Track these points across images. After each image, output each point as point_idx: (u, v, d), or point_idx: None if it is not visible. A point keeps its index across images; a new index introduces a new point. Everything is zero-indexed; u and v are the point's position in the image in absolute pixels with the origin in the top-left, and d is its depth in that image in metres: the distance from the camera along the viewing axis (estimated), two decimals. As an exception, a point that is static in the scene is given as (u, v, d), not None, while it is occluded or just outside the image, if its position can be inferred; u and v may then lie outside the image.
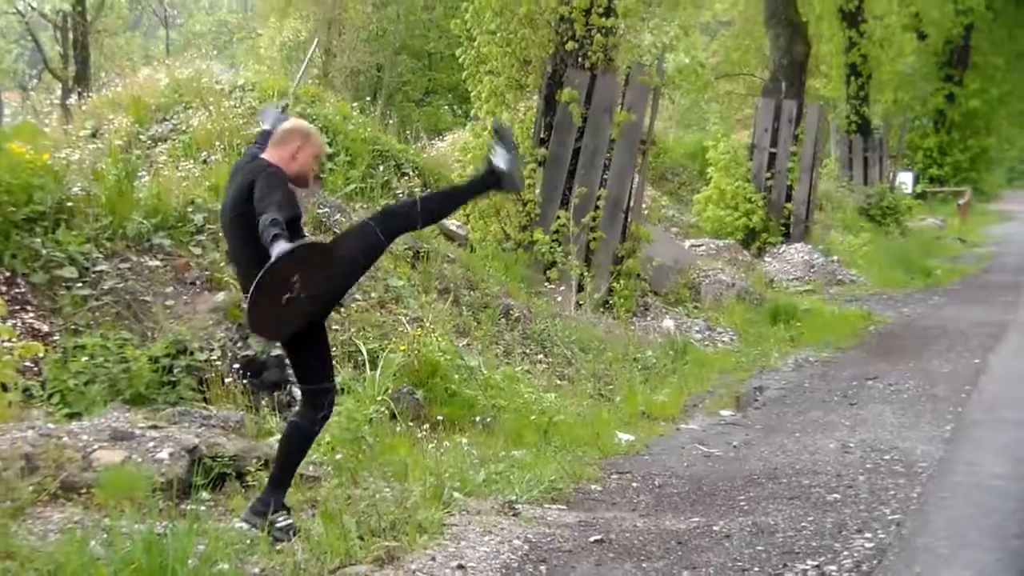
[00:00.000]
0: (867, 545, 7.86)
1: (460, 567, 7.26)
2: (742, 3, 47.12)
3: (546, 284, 17.48)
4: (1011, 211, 52.21)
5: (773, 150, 28.63)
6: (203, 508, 7.53)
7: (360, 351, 11.41)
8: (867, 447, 10.81)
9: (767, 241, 27.57)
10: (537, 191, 18.68)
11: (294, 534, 7.38)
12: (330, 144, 18.07)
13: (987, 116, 54.29)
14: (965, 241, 37.02)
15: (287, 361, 10.47)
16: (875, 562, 7.48)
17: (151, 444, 8.30)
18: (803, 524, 8.39)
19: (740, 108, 50.82)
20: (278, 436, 8.90)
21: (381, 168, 18.57)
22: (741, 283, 20.95)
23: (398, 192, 17.83)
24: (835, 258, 26.84)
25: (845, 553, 7.72)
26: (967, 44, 52.25)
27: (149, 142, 18.62)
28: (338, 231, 12.14)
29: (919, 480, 9.63)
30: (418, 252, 15.13)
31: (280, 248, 6.54)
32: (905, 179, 44.35)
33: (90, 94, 24.86)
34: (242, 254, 7.47)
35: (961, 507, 8.90)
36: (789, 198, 28.74)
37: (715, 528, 8.39)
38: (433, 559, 7.33)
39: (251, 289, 6.65)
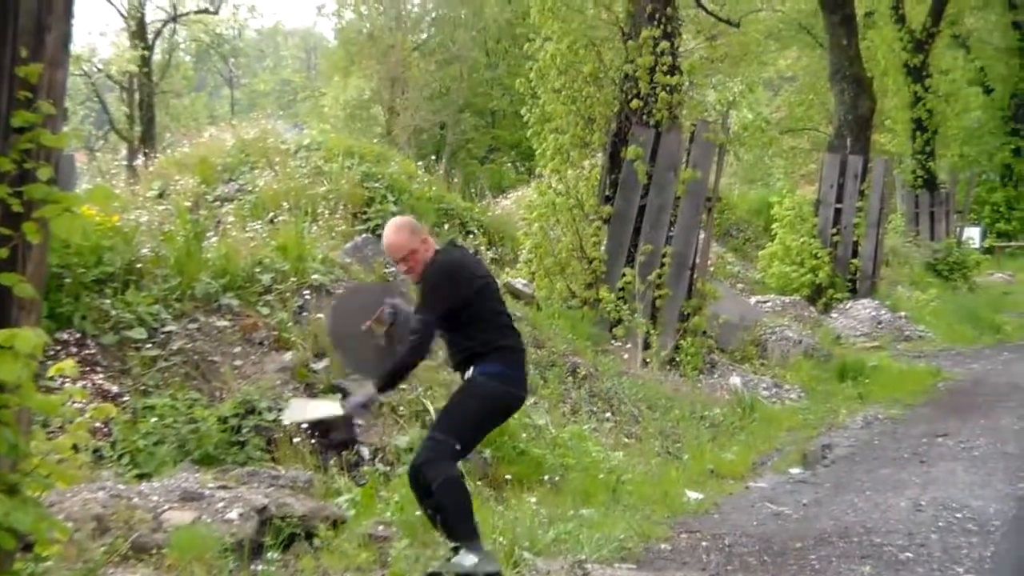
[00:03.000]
0: (942, 605, 7.78)
1: (530, 628, 7.23)
2: (805, 59, 47.13)
3: (612, 342, 17.44)
4: (1081, 265, 51.72)
5: (839, 205, 28.48)
6: (273, 569, 7.53)
7: (427, 410, 11.40)
8: (939, 505, 10.70)
9: (833, 297, 27.37)
10: (602, 249, 18.70)
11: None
12: (395, 203, 18.17)
13: (1055, 170, 53.77)
14: (1035, 296, 36.61)
15: (354, 421, 10.51)
16: (950, 623, 7.41)
17: (221, 504, 8.31)
18: (876, 584, 8.30)
19: (804, 163, 50.61)
20: (347, 496, 8.89)
21: (446, 226, 18.63)
22: (808, 340, 20.82)
23: (464, 250, 17.88)
24: (902, 314, 26.56)
25: (920, 614, 7.64)
26: (1034, 98, 51.89)
27: (216, 202, 18.79)
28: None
29: (992, 539, 9.52)
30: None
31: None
32: (972, 234, 44.06)
33: (156, 155, 25.12)
34: None
35: (1037, 566, 8.79)
36: (855, 254, 28.59)
37: (786, 588, 8.31)
38: (503, 620, 7.30)
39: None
